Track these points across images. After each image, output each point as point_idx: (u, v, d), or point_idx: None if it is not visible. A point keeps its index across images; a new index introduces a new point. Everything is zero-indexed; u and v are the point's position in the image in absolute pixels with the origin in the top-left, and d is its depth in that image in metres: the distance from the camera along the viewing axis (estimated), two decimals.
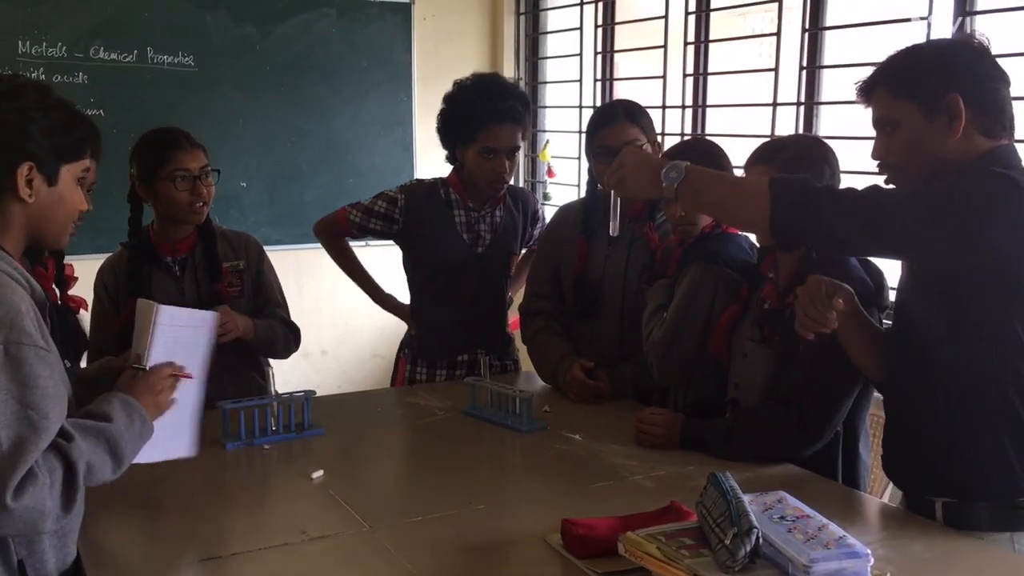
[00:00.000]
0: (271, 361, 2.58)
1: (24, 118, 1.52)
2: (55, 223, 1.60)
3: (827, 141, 3.56)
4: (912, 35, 3.24)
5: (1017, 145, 1.79)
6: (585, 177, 4.89)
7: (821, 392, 2.02)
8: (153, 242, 2.51)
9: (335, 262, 3.05)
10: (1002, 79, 1.74)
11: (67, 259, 2.14)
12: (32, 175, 1.53)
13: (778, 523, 1.48)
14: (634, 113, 2.57)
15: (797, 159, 2.07)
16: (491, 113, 2.67)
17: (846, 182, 3.53)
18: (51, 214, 1.58)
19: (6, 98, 1.52)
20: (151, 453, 1.71)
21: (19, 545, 1.50)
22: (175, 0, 4.59)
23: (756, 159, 2.13)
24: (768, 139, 2.22)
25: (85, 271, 2.34)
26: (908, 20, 3.27)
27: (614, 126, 2.53)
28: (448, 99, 2.79)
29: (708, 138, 3.28)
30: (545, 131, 5.31)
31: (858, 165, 3.53)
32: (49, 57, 4.37)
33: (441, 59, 5.18)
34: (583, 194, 4.81)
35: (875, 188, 1.73)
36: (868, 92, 1.81)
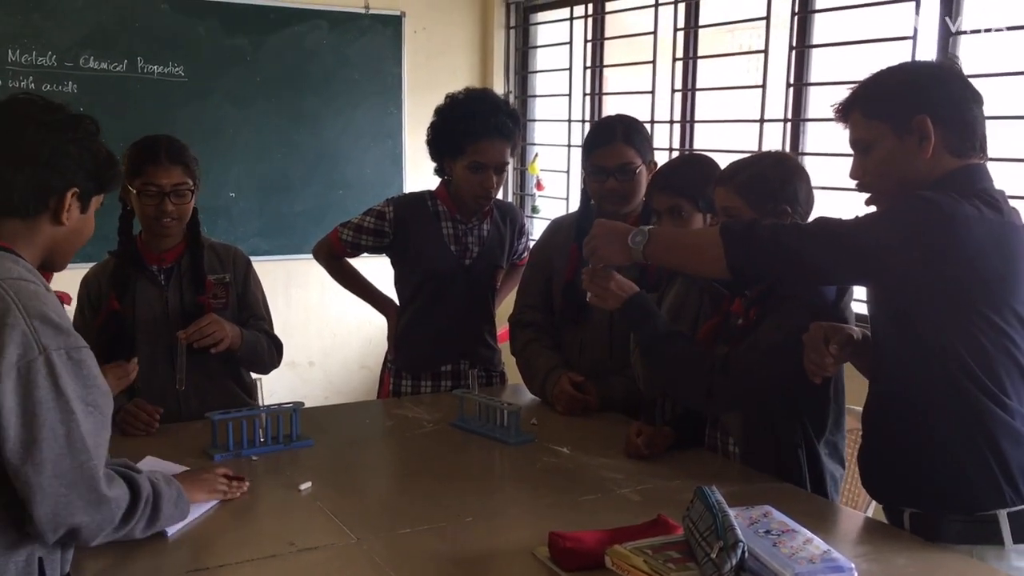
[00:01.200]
0: (267, 372, 2.59)
1: (80, 149, 1.61)
2: (71, 247, 1.69)
3: (812, 157, 3.65)
4: (898, 54, 3.28)
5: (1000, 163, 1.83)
6: (574, 190, 4.96)
7: (756, 362, 2.03)
8: (140, 249, 2.51)
9: (338, 282, 3.04)
10: (973, 99, 1.79)
11: None
12: (73, 201, 1.61)
13: (763, 537, 1.49)
14: (631, 134, 2.56)
15: (760, 178, 2.09)
16: (480, 128, 2.69)
17: (833, 199, 3.59)
18: (73, 239, 1.67)
19: (68, 127, 1.61)
20: None
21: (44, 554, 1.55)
22: (166, 10, 4.60)
23: (716, 181, 2.17)
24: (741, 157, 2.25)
25: (72, 277, 2.33)
26: (894, 39, 3.32)
27: (610, 147, 2.54)
28: (439, 112, 2.81)
29: (702, 153, 3.30)
30: (534, 144, 5.34)
31: (845, 182, 3.58)
32: (39, 66, 4.37)
33: (431, 71, 5.21)
34: (571, 207, 4.88)
35: (818, 220, 1.88)
36: (845, 114, 1.89)
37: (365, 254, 2.94)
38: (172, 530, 1.77)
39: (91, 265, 2.58)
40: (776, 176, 2.12)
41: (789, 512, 1.67)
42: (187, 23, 4.64)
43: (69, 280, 2.27)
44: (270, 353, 2.60)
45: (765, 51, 3.79)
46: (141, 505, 1.61)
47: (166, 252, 2.51)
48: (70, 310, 1.89)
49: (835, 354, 1.88)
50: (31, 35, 4.34)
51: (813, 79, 3.68)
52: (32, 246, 1.60)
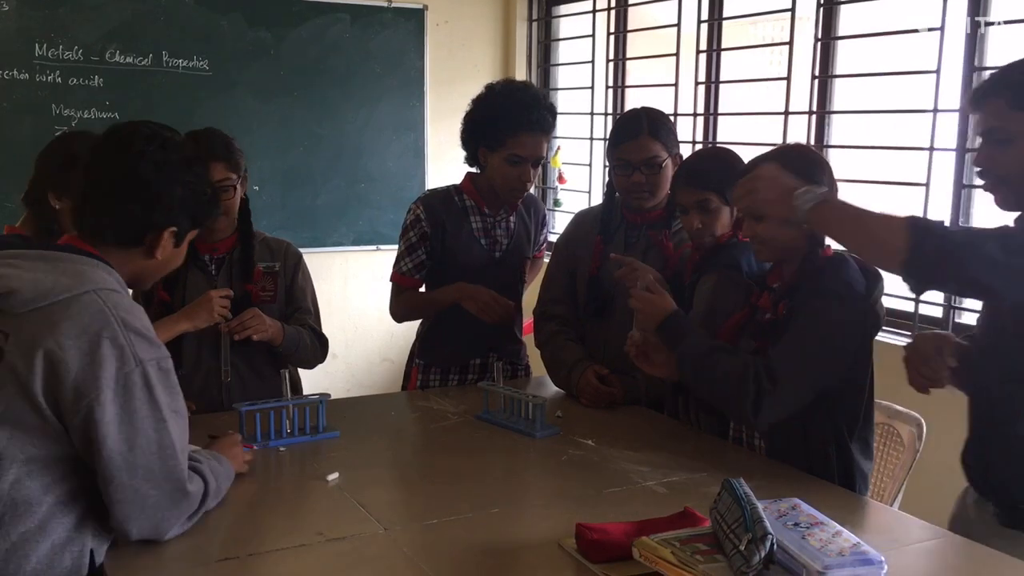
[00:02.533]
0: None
1: (187, 191, 1.67)
2: (158, 275, 1.77)
3: (838, 150, 3.63)
4: (925, 45, 3.26)
5: None
6: (596, 184, 4.95)
7: (800, 370, 2.00)
8: (193, 241, 2.53)
9: (419, 317, 2.94)
10: None
11: None
12: (169, 238, 1.68)
13: (792, 529, 1.49)
14: (657, 127, 2.54)
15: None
16: (522, 121, 2.66)
17: (855, 191, 3.56)
18: (162, 269, 1.75)
19: (182, 168, 1.67)
20: None
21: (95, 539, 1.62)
22: (190, 4, 4.63)
23: (739, 176, 2.12)
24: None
25: None
26: (921, 31, 3.29)
27: (636, 141, 2.53)
28: (478, 102, 2.77)
29: (725, 146, 3.28)
30: (556, 137, 5.32)
31: (868, 174, 3.56)
32: (65, 60, 4.41)
33: (454, 64, 5.21)
34: (594, 201, 4.87)
35: (1011, 231, 1.74)
36: (979, 101, 1.78)
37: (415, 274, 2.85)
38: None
39: None
40: (796, 170, 2.10)
41: (817, 505, 1.66)
42: (211, 17, 4.67)
43: None
44: (313, 348, 2.61)
45: (790, 43, 3.77)
46: (211, 494, 1.74)
47: (218, 242, 2.54)
48: None
49: (952, 366, 1.84)
50: (58, 30, 4.38)
51: (838, 71, 3.66)
52: (122, 267, 1.65)
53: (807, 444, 2.09)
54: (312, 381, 2.77)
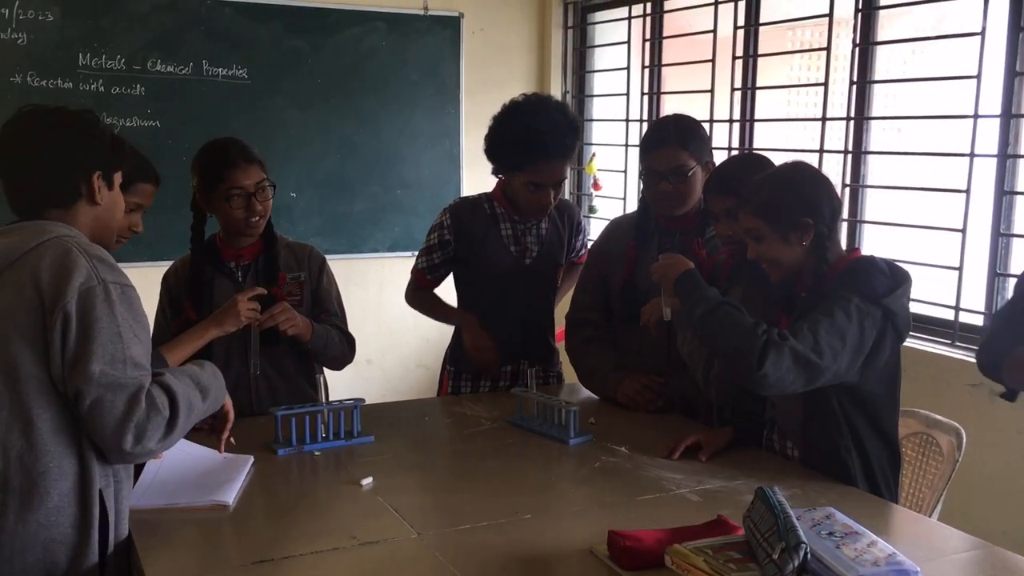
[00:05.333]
0: (326, 370, 2.62)
1: (88, 137, 1.82)
2: (112, 221, 1.89)
3: (876, 156, 3.59)
4: (966, 50, 3.22)
5: None
6: (631, 190, 4.95)
7: (806, 336, 1.99)
8: (220, 248, 2.57)
9: (433, 318, 2.99)
10: None
11: (122, 266, 2.23)
12: (99, 182, 1.81)
13: (826, 539, 1.48)
14: (685, 136, 2.52)
15: (775, 198, 2.09)
16: (540, 150, 2.63)
17: (896, 198, 3.52)
18: (111, 214, 1.87)
19: (70, 123, 1.81)
20: (197, 496, 1.92)
21: (108, 496, 1.71)
22: (230, 14, 4.69)
23: (740, 203, 2.16)
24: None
25: (139, 277, 2.40)
26: (962, 36, 3.25)
27: (663, 150, 2.51)
28: (498, 123, 2.74)
29: (758, 152, 3.26)
30: (591, 144, 5.33)
31: (907, 181, 3.52)
32: (108, 69, 4.49)
33: (489, 72, 5.23)
34: (629, 207, 4.86)
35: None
36: None
37: (448, 275, 2.94)
38: (232, 499, 1.91)
39: (160, 263, 2.65)
40: (791, 191, 2.09)
41: (851, 515, 1.65)
42: (250, 26, 4.73)
43: (138, 278, 2.33)
44: (341, 347, 2.61)
45: (827, 48, 3.74)
46: (182, 402, 1.73)
47: (244, 249, 2.57)
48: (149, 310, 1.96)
49: None
50: (101, 39, 4.46)
51: (877, 76, 3.62)
52: (79, 227, 1.79)
53: (838, 452, 2.07)
54: (347, 386, 2.80)
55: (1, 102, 4.20)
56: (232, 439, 2.12)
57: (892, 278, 2.07)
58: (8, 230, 1.76)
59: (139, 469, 1.95)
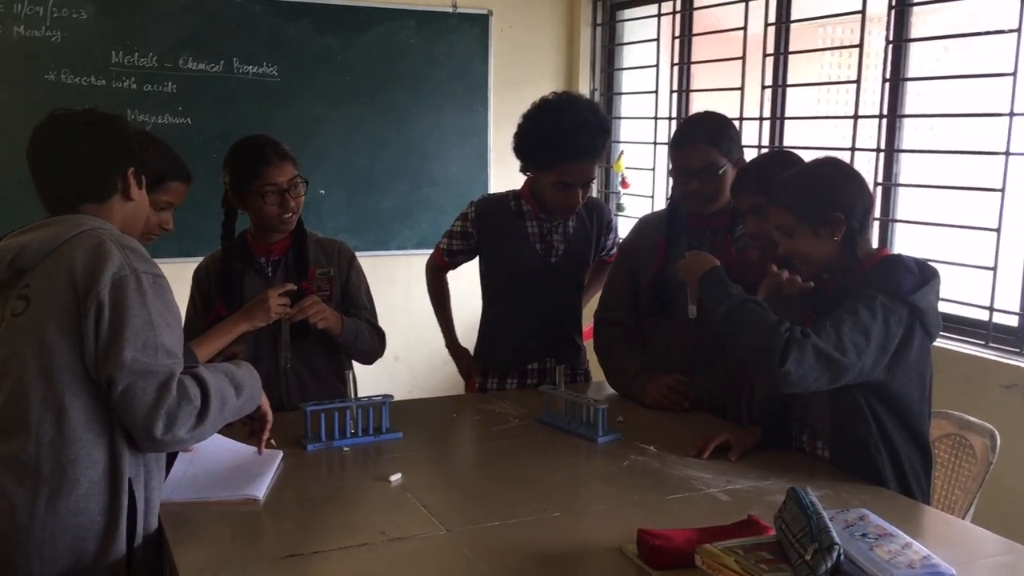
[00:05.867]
0: (355, 365, 2.63)
1: (120, 136, 1.89)
2: (140, 219, 1.96)
3: (910, 155, 3.55)
4: (1001, 48, 3.17)
5: None
6: (660, 188, 4.92)
7: (829, 333, 1.98)
8: (250, 244, 2.59)
9: (430, 300, 3.08)
10: None
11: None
12: (133, 179, 1.88)
13: (860, 540, 1.46)
14: (716, 134, 2.50)
15: (805, 194, 2.08)
16: (569, 150, 2.62)
17: (927, 197, 3.48)
18: (140, 211, 1.94)
19: (103, 123, 1.88)
20: (228, 490, 1.93)
21: (137, 486, 1.74)
22: (260, 12, 4.71)
23: (769, 199, 2.16)
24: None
25: (170, 273, 2.41)
26: (998, 32, 3.20)
27: (692, 149, 2.50)
28: (527, 121, 2.73)
29: (789, 149, 3.23)
30: (620, 142, 5.31)
31: (941, 180, 3.47)
32: (140, 67, 4.53)
33: (518, 69, 5.22)
34: (657, 205, 4.84)
35: None
36: None
37: (464, 263, 2.99)
38: (262, 493, 1.91)
39: (191, 259, 2.67)
40: (823, 186, 2.09)
41: (883, 516, 1.63)
42: (280, 24, 4.75)
43: (170, 274, 2.36)
44: (372, 340, 2.62)
45: (860, 45, 3.69)
46: (214, 394, 1.74)
47: (274, 245, 2.58)
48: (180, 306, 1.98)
49: None
50: (134, 37, 4.50)
51: (911, 74, 3.58)
52: (110, 221, 1.84)
53: (869, 452, 2.05)
54: (374, 383, 2.81)
55: (35, 99, 4.26)
56: (273, 440, 2.13)
57: (919, 275, 2.05)
58: (44, 223, 1.81)
59: (170, 463, 1.97)
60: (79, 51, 4.42)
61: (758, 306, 2.09)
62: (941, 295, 2.11)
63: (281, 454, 2.13)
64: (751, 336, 2.04)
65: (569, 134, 2.62)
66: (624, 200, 5.22)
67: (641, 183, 5.14)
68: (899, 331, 2.01)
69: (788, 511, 1.53)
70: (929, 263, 2.11)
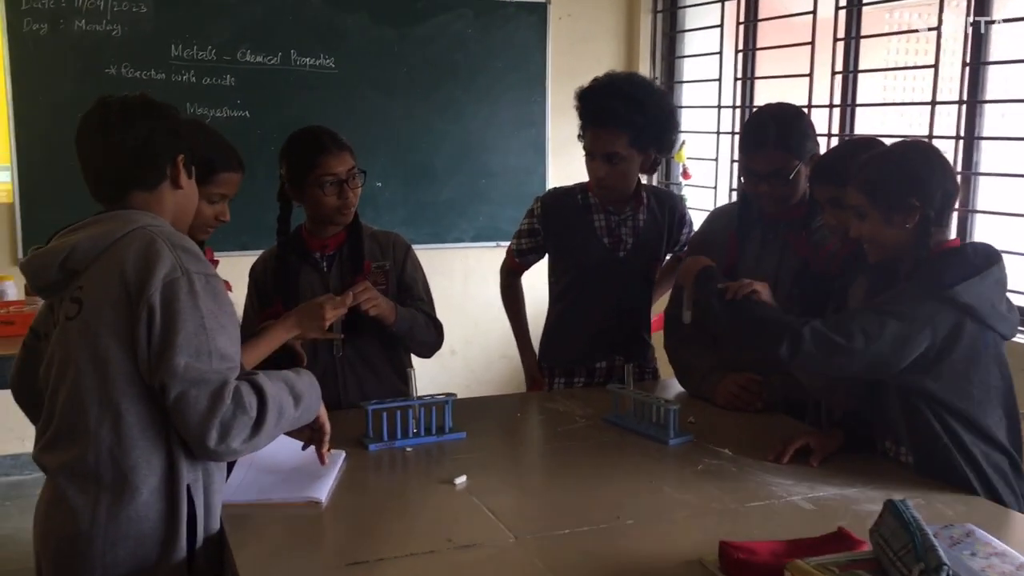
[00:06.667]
0: (414, 363, 2.56)
1: (172, 123, 1.82)
2: (190, 208, 1.89)
3: (990, 142, 3.38)
4: None
5: None
6: (723, 179, 4.79)
7: (844, 321, 1.95)
8: (305, 239, 2.53)
9: (503, 304, 2.98)
10: None
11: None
12: (183, 166, 1.82)
13: (970, 559, 1.35)
14: (786, 135, 2.36)
15: (882, 176, 1.99)
16: (587, 115, 2.60)
17: (1012, 186, 3.31)
18: (190, 201, 1.88)
19: (154, 111, 1.81)
20: (290, 491, 1.89)
21: (196, 491, 1.70)
22: (317, 4, 4.68)
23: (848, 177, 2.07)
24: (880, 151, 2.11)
25: (228, 267, 2.38)
26: None
27: (762, 152, 2.38)
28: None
29: (865, 137, 3.09)
30: (681, 132, 5.17)
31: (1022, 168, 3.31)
32: (200, 60, 4.53)
33: (576, 59, 5.12)
34: (720, 198, 4.72)
35: None
36: None
37: (536, 262, 2.92)
38: (325, 496, 1.87)
39: (248, 253, 2.63)
40: (901, 170, 1.97)
41: (992, 532, 1.52)
42: (337, 16, 4.72)
43: (227, 267, 2.32)
44: (428, 331, 2.53)
45: (938, 28, 3.53)
46: (272, 404, 1.68)
47: (329, 239, 2.52)
48: (236, 299, 1.93)
49: None
50: (193, 30, 4.50)
51: (992, 57, 3.41)
52: (161, 212, 1.79)
53: (946, 458, 1.93)
54: (430, 378, 2.74)
55: (96, 94, 4.24)
56: (332, 452, 2.06)
57: (971, 265, 1.93)
58: (95, 220, 1.75)
59: (232, 462, 1.93)
60: (139, 45, 4.43)
61: (759, 303, 2.14)
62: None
63: (344, 454, 2.08)
64: (748, 324, 2.09)
65: (590, 99, 2.60)
66: (685, 191, 5.09)
67: (703, 174, 5.01)
68: (932, 327, 1.90)
69: (886, 525, 1.42)
70: (991, 249, 1.99)
